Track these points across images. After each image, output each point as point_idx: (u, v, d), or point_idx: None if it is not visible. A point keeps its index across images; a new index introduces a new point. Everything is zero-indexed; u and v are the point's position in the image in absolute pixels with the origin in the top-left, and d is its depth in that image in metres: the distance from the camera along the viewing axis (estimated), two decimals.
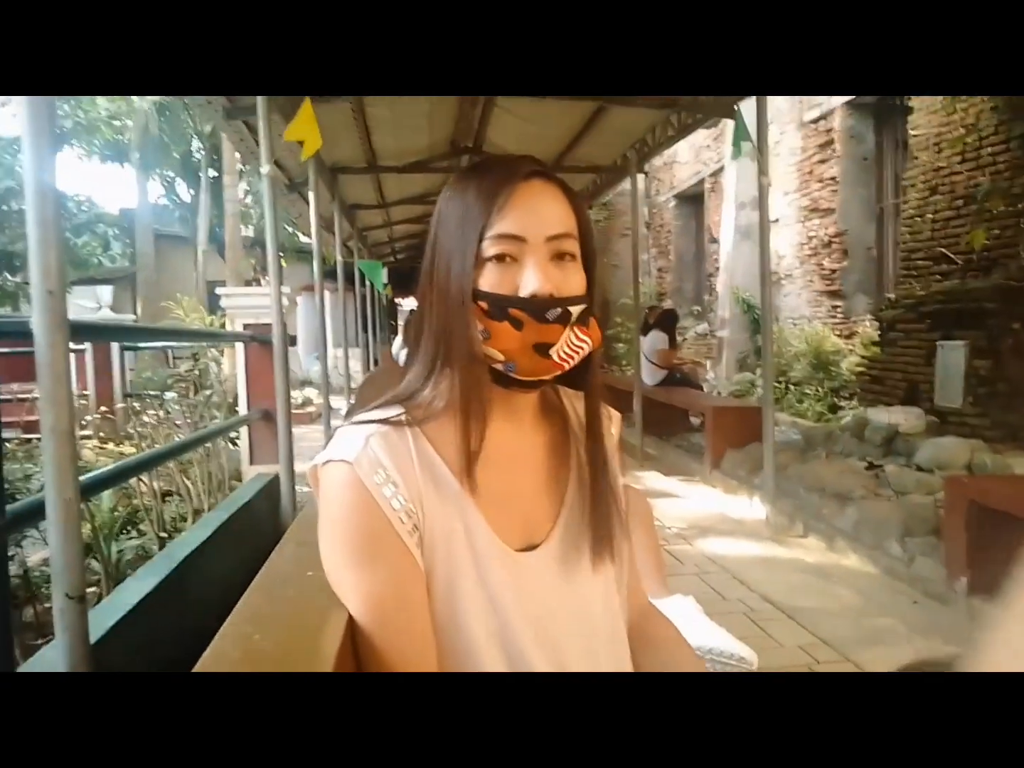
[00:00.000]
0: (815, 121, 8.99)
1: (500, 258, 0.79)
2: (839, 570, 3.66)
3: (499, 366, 0.80)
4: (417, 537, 0.80)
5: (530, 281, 0.78)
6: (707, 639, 1.53)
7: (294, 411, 5.72)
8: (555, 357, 0.79)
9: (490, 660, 0.81)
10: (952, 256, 5.83)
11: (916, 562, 3.37)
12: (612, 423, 0.96)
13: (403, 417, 0.83)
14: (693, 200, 12.95)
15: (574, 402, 0.95)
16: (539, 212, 0.80)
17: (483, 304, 0.79)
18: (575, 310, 0.80)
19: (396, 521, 0.78)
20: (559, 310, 0.78)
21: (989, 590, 2.95)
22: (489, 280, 0.79)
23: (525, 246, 0.79)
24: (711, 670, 1.44)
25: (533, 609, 0.83)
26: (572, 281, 0.81)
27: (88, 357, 7.95)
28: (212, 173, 18.10)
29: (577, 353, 0.81)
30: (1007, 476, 3.88)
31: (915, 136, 6.40)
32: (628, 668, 0.94)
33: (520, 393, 0.85)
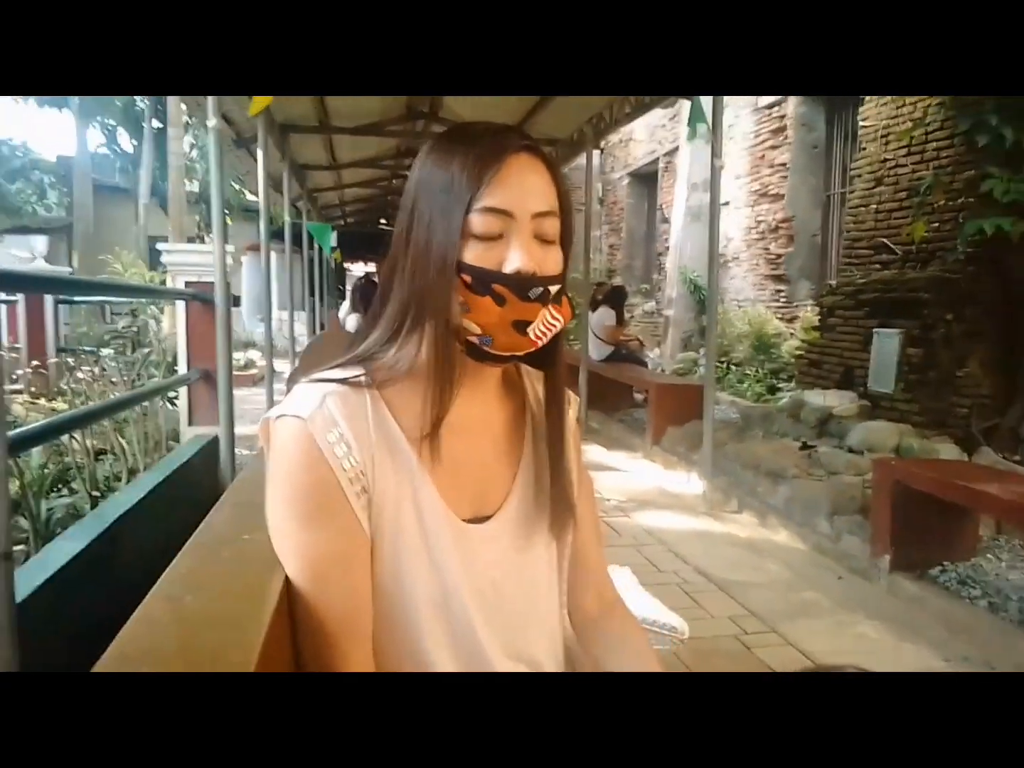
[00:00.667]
0: (769, 107, 9.09)
1: (486, 232, 0.77)
2: (770, 545, 3.78)
3: (474, 339, 0.80)
4: (365, 500, 0.80)
5: (515, 258, 0.77)
6: (640, 609, 1.58)
7: (236, 373, 5.61)
8: (531, 335, 0.80)
9: (431, 625, 0.82)
10: (892, 246, 5.99)
11: (843, 539, 3.50)
12: (571, 406, 0.96)
13: (363, 379, 0.83)
14: (647, 179, 13.01)
15: (534, 381, 0.96)
16: (527, 187, 0.79)
17: (466, 277, 0.78)
18: (553, 289, 0.80)
19: (345, 482, 0.78)
20: (541, 289, 0.78)
21: (910, 568, 3.09)
22: (473, 253, 0.77)
23: (512, 222, 0.78)
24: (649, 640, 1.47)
25: (477, 579, 0.84)
26: (553, 259, 0.81)
27: (20, 309, 7.66)
28: (156, 124, 17.45)
29: (551, 330, 0.82)
30: (932, 460, 4.04)
31: (864, 127, 6.52)
32: (561, 640, 0.96)
33: (488, 367, 0.86)
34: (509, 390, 0.94)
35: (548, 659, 0.93)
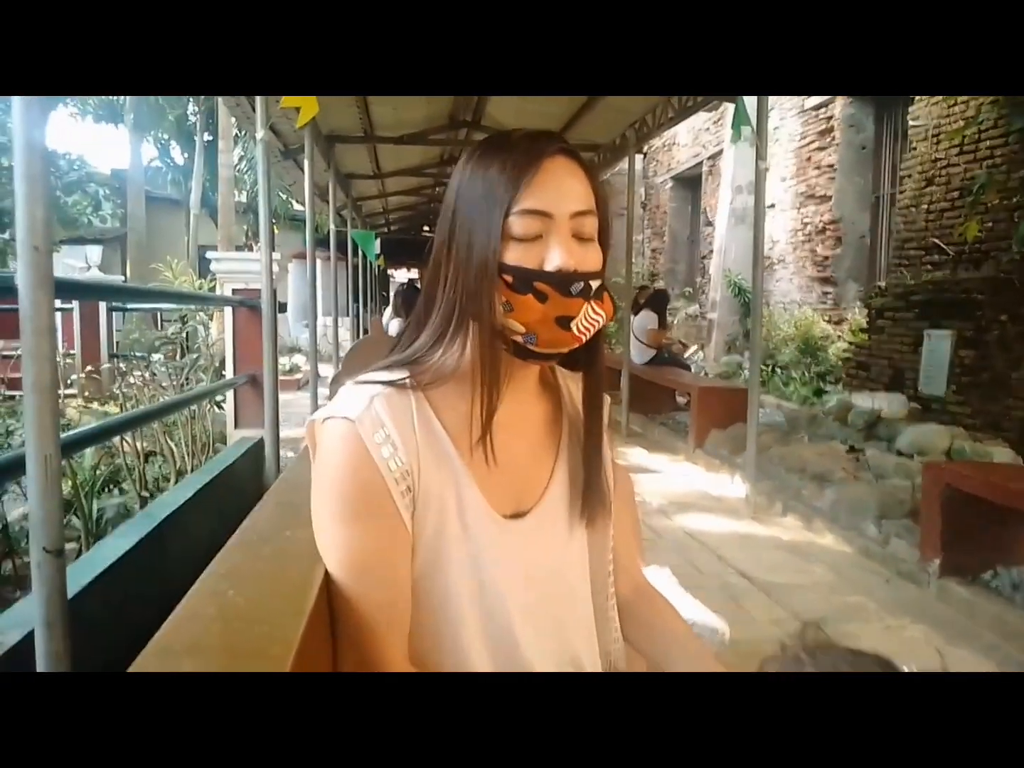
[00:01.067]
0: (816, 108, 8.95)
1: (526, 233, 0.79)
2: (815, 549, 3.71)
3: (519, 338, 0.82)
4: (410, 499, 0.82)
5: (556, 256, 0.79)
6: (680, 610, 1.56)
7: (281, 377, 5.71)
8: (575, 330, 0.81)
9: (469, 619, 0.84)
10: (944, 247, 5.85)
11: (891, 543, 3.43)
12: (604, 406, 0.98)
13: (408, 381, 0.85)
14: (690, 182, 12.90)
15: (568, 382, 0.98)
16: (564, 188, 0.81)
17: (507, 277, 0.79)
18: (594, 284, 0.81)
19: (391, 481, 0.80)
20: (582, 284, 0.80)
21: (960, 572, 3.01)
22: (514, 254, 0.79)
23: (551, 222, 0.79)
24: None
25: (515, 573, 0.86)
26: (593, 256, 0.82)
27: (75, 316, 7.91)
28: (207, 137, 17.88)
29: (593, 326, 0.83)
30: (984, 463, 3.93)
31: (914, 127, 6.39)
32: (594, 631, 0.97)
33: (530, 365, 0.87)
34: (545, 390, 0.96)
35: (585, 654, 0.94)
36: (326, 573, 0.85)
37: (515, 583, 0.86)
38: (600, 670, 0.96)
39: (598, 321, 0.83)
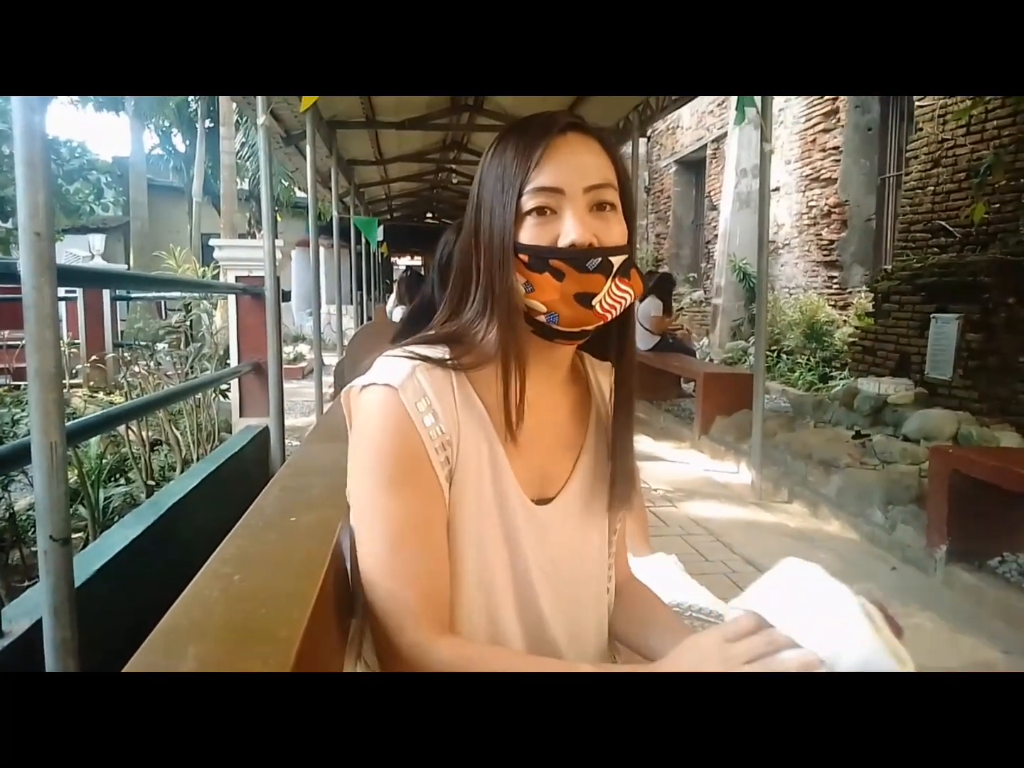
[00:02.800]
0: None
1: (540, 211, 0.80)
2: (821, 535, 3.70)
3: (542, 318, 0.82)
4: (448, 470, 0.82)
5: (569, 231, 0.79)
6: (686, 596, 1.56)
7: (286, 365, 5.71)
8: (598, 307, 0.81)
9: (505, 594, 0.85)
10: (951, 229, 5.81)
11: (897, 529, 3.42)
12: (635, 397, 0.99)
13: (448, 357, 0.85)
14: (694, 166, 12.82)
15: (597, 372, 0.99)
16: (576, 164, 0.81)
17: (524, 257, 0.80)
18: (616, 260, 0.81)
19: (432, 450, 0.80)
20: (600, 259, 0.79)
21: (967, 558, 3.00)
22: (529, 233, 0.80)
23: (563, 198, 0.80)
24: (688, 625, 1.46)
25: (541, 557, 0.87)
26: (613, 231, 0.82)
27: (79, 305, 7.91)
28: (208, 124, 17.80)
29: (620, 303, 0.83)
30: (992, 448, 3.91)
31: (920, 107, 6.33)
32: (606, 619, 0.99)
33: (560, 346, 0.87)
34: (575, 378, 0.97)
35: (596, 637, 0.96)
36: (333, 554, 0.84)
37: (540, 565, 0.87)
38: (608, 660, 0.98)
39: (625, 299, 0.83)
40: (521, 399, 0.83)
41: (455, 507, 0.83)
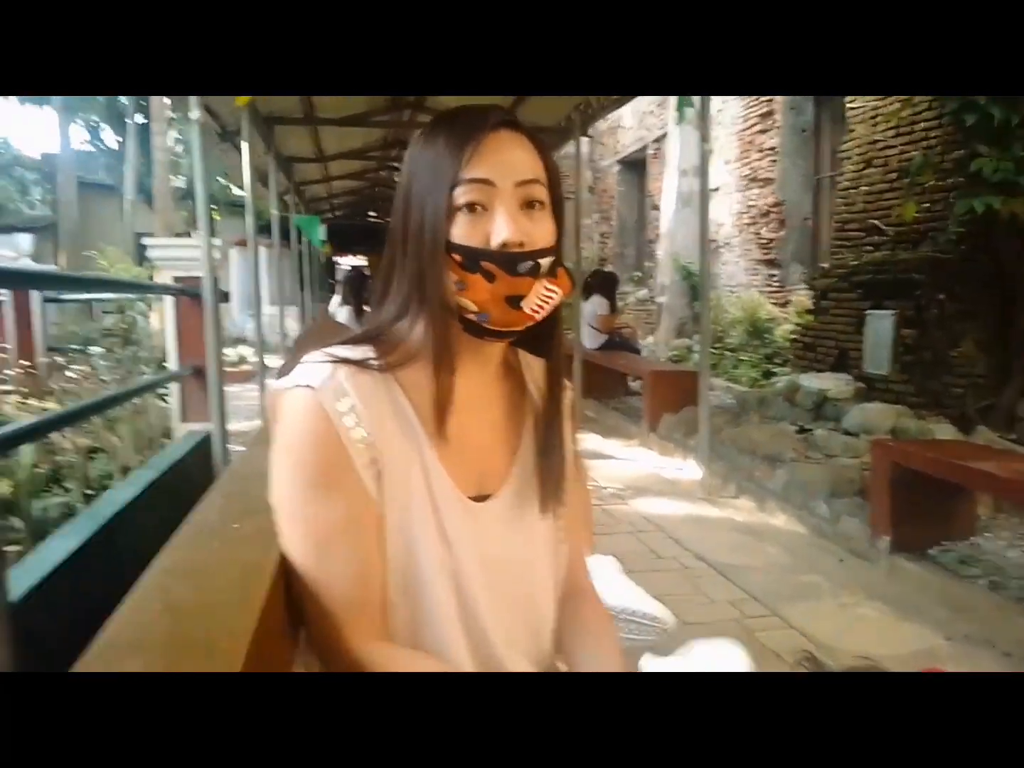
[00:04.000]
0: None
1: (471, 207, 0.79)
2: (769, 529, 3.77)
3: (472, 317, 0.81)
4: (375, 471, 0.80)
5: (501, 230, 0.78)
6: (622, 600, 1.55)
7: (228, 369, 5.57)
8: (526, 309, 0.81)
9: (443, 596, 0.82)
10: (884, 228, 5.97)
11: (842, 522, 3.50)
12: (565, 392, 0.98)
13: (372, 355, 0.83)
14: (636, 166, 12.96)
15: (532, 366, 0.98)
16: (508, 159, 0.81)
17: (456, 256, 0.79)
18: (544, 262, 0.81)
19: (354, 451, 0.79)
20: (530, 263, 0.79)
21: (909, 548, 3.08)
22: (461, 231, 0.79)
23: (494, 191, 0.79)
24: (623, 629, 1.45)
25: (481, 555, 0.85)
26: (542, 230, 0.81)
27: (7, 309, 7.59)
28: (140, 119, 17.30)
29: (547, 303, 0.82)
30: (928, 441, 4.04)
31: (852, 109, 6.49)
32: (552, 618, 0.96)
33: (489, 344, 0.86)
34: (508, 374, 0.95)
35: (537, 638, 0.94)
36: (280, 561, 0.81)
37: (481, 563, 0.85)
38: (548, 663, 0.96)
39: (552, 298, 0.83)
40: (449, 395, 0.83)
41: (386, 508, 0.81)
